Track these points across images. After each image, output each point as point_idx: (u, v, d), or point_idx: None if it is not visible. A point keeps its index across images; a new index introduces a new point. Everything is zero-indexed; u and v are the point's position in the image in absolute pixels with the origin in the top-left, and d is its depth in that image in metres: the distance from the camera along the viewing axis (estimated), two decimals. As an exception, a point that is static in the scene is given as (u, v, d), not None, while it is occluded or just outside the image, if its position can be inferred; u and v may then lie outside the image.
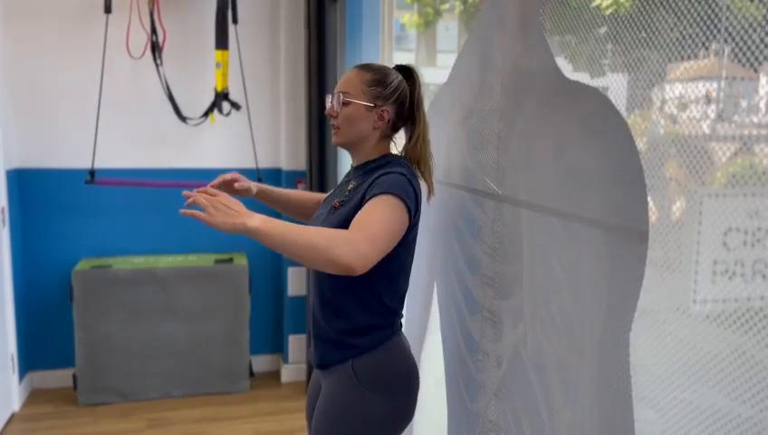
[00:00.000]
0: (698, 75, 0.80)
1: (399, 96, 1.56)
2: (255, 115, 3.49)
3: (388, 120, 1.56)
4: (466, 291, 1.44)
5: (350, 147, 1.61)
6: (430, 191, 1.58)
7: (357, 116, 1.54)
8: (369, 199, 1.43)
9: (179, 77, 3.44)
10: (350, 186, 1.56)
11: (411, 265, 1.58)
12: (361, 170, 1.58)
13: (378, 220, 1.39)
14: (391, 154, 1.59)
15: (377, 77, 1.55)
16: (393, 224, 1.42)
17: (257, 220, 1.34)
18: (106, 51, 3.17)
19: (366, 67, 1.58)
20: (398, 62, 1.62)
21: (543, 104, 1.09)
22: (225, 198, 1.38)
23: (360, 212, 1.42)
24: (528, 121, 1.14)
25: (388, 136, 1.60)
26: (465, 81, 1.48)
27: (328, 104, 1.60)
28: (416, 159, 1.56)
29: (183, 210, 1.39)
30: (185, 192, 1.43)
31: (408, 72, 1.60)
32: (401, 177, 1.46)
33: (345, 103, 1.55)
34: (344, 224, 1.45)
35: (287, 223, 1.35)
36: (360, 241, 1.33)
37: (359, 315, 1.52)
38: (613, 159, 0.90)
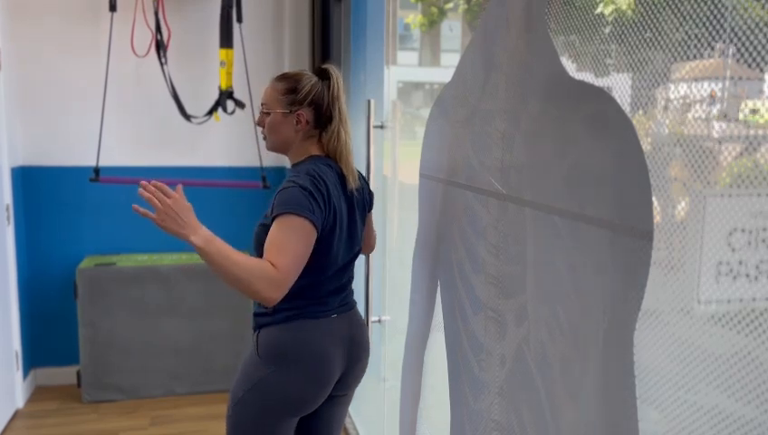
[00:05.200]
0: (703, 75, 0.80)
1: (314, 98, 1.72)
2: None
3: (307, 122, 1.72)
4: (470, 290, 1.44)
5: (281, 151, 1.79)
6: (349, 179, 1.74)
7: (277, 123, 1.73)
8: (274, 219, 1.57)
9: (184, 76, 3.44)
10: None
11: (329, 253, 1.70)
12: (292, 171, 1.73)
13: (286, 247, 1.53)
14: (314, 154, 1.74)
15: (289, 85, 1.73)
16: (300, 246, 1.56)
17: (200, 239, 1.48)
18: (111, 49, 3.18)
19: (280, 78, 1.76)
20: (403, 61, 1.69)
21: (548, 104, 1.09)
22: (177, 204, 1.49)
23: (269, 235, 1.55)
24: (532, 121, 1.14)
25: (313, 136, 1.76)
26: (469, 80, 1.48)
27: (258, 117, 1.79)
28: (332, 153, 1.75)
29: (136, 206, 1.53)
30: (140, 190, 1.51)
31: (325, 74, 1.76)
32: (293, 188, 1.58)
33: (266, 114, 1.74)
34: (261, 225, 1.68)
35: (227, 248, 1.50)
36: (274, 274, 1.49)
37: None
38: (618, 158, 0.90)
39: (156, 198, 1.48)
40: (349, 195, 1.75)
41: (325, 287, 1.75)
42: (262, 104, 1.77)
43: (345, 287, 1.82)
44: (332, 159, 1.75)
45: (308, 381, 1.72)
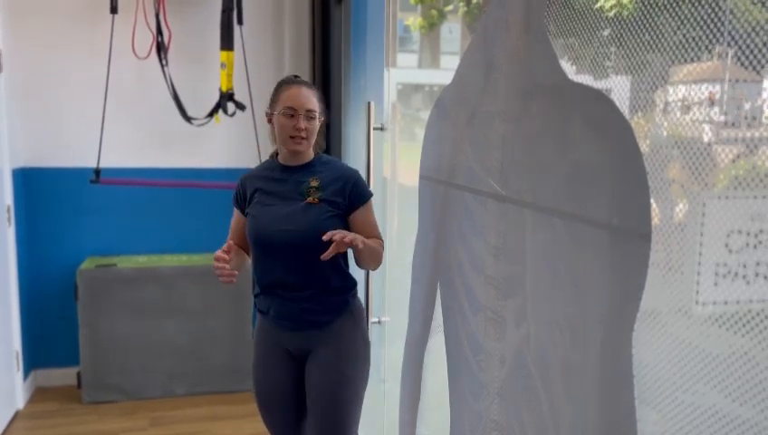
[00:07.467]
0: (701, 78, 0.81)
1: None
2: (260, 116, 3.50)
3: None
4: (470, 291, 1.45)
5: (306, 151, 1.94)
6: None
7: (317, 128, 1.92)
8: (363, 203, 1.92)
9: (184, 77, 3.45)
10: (314, 183, 1.90)
11: None
12: (307, 169, 1.93)
13: (377, 223, 1.99)
14: (316, 152, 1.99)
15: (319, 94, 1.95)
16: None
17: (361, 242, 1.79)
18: (112, 51, 3.19)
19: (312, 85, 1.96)
20: (402, 63, 1.78)
21: (547, 106, 1.10)
22: (345, 233, 1.76)
23: (369, 218, 1.95)
24: (532, 123, 1.15)
25: None
26: (469, 82, 1.48)
27: (300, 122, 1.86)
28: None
29: (326, 255, 1.74)
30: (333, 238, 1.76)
31: None
32: (359, 175, 1.96)
33: (314, 118, 1.89)
34: (332, 216, 1.87)
35: (369, 242, 1.85)
36: (383, 245, 1.98)
37: (347, 280, 1.98)
38: (617, 160, 0.90)
39: (341, 240, 1.73)
40: None
41: None
42: (311, 110, 1.88)
43: None
44: None
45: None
